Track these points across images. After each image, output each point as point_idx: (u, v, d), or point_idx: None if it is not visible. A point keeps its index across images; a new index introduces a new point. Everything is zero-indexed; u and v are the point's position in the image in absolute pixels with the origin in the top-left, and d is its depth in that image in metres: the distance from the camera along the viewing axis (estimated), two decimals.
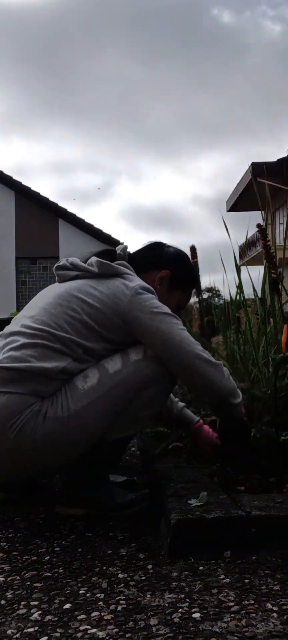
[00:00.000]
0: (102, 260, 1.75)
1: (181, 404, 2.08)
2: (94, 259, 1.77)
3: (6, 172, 17.77)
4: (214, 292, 4.47)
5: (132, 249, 1.92)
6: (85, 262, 1.80)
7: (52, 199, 17.96)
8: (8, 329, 1.73)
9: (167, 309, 1.69)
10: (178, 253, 1.96)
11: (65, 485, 1.73)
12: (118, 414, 1.64)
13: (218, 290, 5.01)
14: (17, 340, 1.63)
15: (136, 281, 1.72)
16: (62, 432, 1.57)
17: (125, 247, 1.88)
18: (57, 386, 1.60)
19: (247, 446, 1.79)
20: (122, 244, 1.93)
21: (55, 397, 1.59)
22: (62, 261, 1.84)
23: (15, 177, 17.85)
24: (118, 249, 1.87)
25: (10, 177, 17.78)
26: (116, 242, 17.94)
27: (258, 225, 2.31)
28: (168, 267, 1.88)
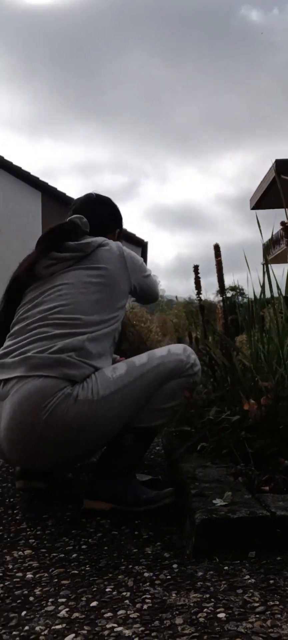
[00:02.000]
0: (84, 242, 1.91)
1: None
2: (71, 244, 1.90)
3: (33, 173, 17.94)
4: (238, 290, 4.45)
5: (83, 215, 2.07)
6: (57, 245, 1.91)
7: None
8: (23, 326, 1.78)
9: (141, 259, 2.06)
10: (115, 207, 2.21)
11: (92, 480, 1.77)
12: (142, 404, 1.73)
13: (242, 289, 4.98)
14: (47, 331, 1.71)
15: (114, 244, 1.97)
16: (91, 415, 1.64)
17: (83, 219, 2.00)
18: (88, 372, 1.68)
19: None
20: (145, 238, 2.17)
21: (86, 383, 1.66)
22: (43, 261, 1.90)
23: (42, 178, 18.01)
24: (80, 223, 1.97)
25: (37, 178, 17.94)
26: (140, 241, 17.95)
27: (283, 223, 2.30)
28: (117, 224, 2.19)
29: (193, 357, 1.86)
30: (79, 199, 2.18)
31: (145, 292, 2.05)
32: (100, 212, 2.12)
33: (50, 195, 17.91)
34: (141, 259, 2.06)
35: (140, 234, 20.55)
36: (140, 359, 1.78)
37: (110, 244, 1.94)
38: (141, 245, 18.01)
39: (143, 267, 2.04)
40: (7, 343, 1.80)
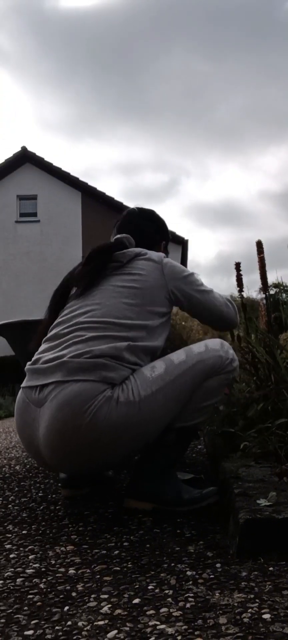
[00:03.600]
0: (122, 252, 1.92)
1: None
2: (120, 253, 1.92)
3: (74, 174, 18.16)
4: (282, 287, 4.36)
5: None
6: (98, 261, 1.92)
7: (118, 199, 18.19)
8: (58, 331, 1.78)
9: (190, 271, 1.95)
10: (161, 220, 2.19)
11: (134, 480, 1.75)
12: (183, 403, 1.71)
13: (286, 286, 4.89)
14: (82, 335, 1.69)
15: (155, 254, 1.92)
16: (134, 416, 1.61)
17: (129, 237, 2.01)
18: (127, 374, 1.66)
19: None
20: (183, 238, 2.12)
21: (125, 384, 1.64)
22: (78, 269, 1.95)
23: (82, 179, 18.21)
24: (126, 240, 1.99)
25: (77, 178, 18.16)
26: (180, 239, 17.92)
27: None
28: (162, 237, 2.16)
29: (232, 352, 1.84)
30: (122, 215, 2.18)
31: (195, 303, 1.92)
32: (144, 228, 2.11)
33: (90, 195, 18.10)
34: (188, 270, 1.95)
35: (180, 232, 20.47)
36: (179, 356, 1.75)
37: (149, 253, 1.91)
38: (181, 244, 17.99)
39: (186, 274, 1.92)
40: (41, 348, 1.81)
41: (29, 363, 1.78)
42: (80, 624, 1.04)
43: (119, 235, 2.01)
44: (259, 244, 2.98)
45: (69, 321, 1.79)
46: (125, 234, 2.03)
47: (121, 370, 1.65)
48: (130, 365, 1.68)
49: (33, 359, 1.78)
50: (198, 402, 1.75)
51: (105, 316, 1.73)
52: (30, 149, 18.40)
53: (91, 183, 19.50)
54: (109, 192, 19.28)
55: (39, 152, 19.11)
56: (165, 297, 1.85)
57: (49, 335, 1.83)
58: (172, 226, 21.30)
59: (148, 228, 2.12)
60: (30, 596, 1.17)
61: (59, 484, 2.11)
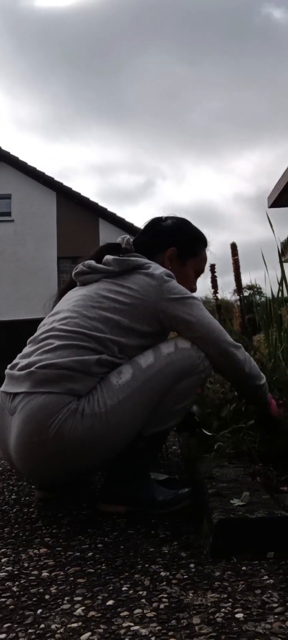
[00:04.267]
0: (120, 258, 1.79)
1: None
2: (109, 257, 1.80)
3: (49, 174, 18.05)
4: (256, 289, 4.41)
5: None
6: (99, 263, 1.83)
7: (93, 199, 18.14)
8: (38, 335, 1.75)
9: (190, 293, 1.76)
10: (178, 223, 1.98)
11: (107, 482, 1.74)
12: (153, 408, 1.66)
13: (260, 288, 4.94)
14: (51, 343, 1.64)
15: (158, 269, 1.75)
16: (100, 428, 1.58)
17: (128, 238, 1.92)
18: (93, 384, 1.61)
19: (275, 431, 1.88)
20: (125, 236, 1.94)
21: (91, 395, 1.60)
22: (79, 267, 1.87)
23: (58, 179, 18.12)
24: (122, 242, 1.90)
25: (52, 178, 18.04)
26: None
27: None
28: (172, 242, 1.91)
29: (203, 353, 1.74)
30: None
31: (191, 328, 1.71)
32: (150, 232, 1.96)
33: (65, 195, 18.00)
34: (188, 293, 1.75)
35: None
36: (146, 359, 1.66)
37: (152, 267, 1.75)
38: None
39: (185, 296, 1.73)
40: (24, 350, 1.76)
41: (9, 366, 1.74)
42: (53, 626, 1.03)
43: (121, 236, 1.93)
44: (233, 246, 3.01)
45: (46, 326, 1.75)
46: (144, 235, 1.95)
47: (88, 382, 1.61)
48: (98, 376, 1.63)
49: (13, 362, 1.74)
50: (169, 406, 1.69)
51: (78, 326, 1.66)
52: (4, 148, 18.20)
53: (66, 183, 19.41)
54: (84, 193, 19.20)
55: (14, 152, 18.94)
56: (153, 318, 1.71)
57: (30, 338, 1.78)
58: None
59: (153, 231, 1.96)
60: (3, 599, 1.16)
61: (33, 486, 2.09)
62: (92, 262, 1.84)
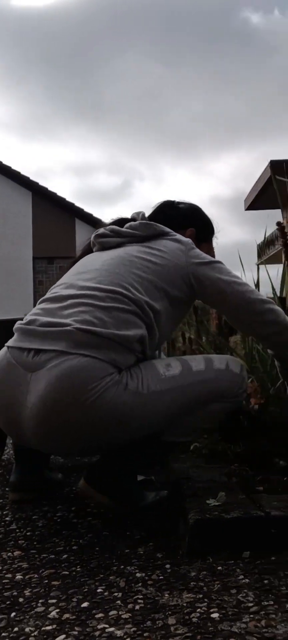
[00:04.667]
0: (148, 222, 1.78)
1: None
2: (135, 222, 1.78)
3: (25, 174, 17.90)
4: None
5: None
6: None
7: (70, 199, 18.06)
8: (60, 292, 1.66)
9: (217, 259, 1.76)
10: (194, 207, 2.00)
11: (98, 468, 1.64)
12: (184, 413, 1.62)
13: None
14: (87, 303, 1.56)
15: (184, 237, 1.77)
16: (137, 408, 1.53)
17: (143, 214, 1.87)
18: (131, 360, 1.57)
19: None
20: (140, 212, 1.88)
21: (134, 373, 1.55)
22: (101, 230, 1.83)
23: (34, 179, 17.98)
24: (137, 217, 1.85)
25: (27, 178, 17.90)
26: None
27: (278, 224, 2.29)
28: (190, 224, 1.93)
29: (247, 382, 1.76)
30: None
31: (221, 291, 1.69)
32: (166, 211, 1.95)
33: (41, 195, 17.88)
34: (217, 260, 1.77)
35: None
36: (198, 364, 1.64)
37: (178, 236, 1.76)
38: None
39: (213, 260, 1.73)
40: (39, 307, 1.65)
41: (20, 322, 1.64)
42: (27, 629, 1.02)
43: (134, 212, 1.88)
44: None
45: (73, 285, 1.65)
46: (158, 214, 1.92)
47: (128, 357, 1.55)
48: (136, 354, 1.58)
49: (27, 318, 1.63)
50: (197, 422, 1.67)
51: (113, 284, 1.59)
52: None
53: (43, 183, 19.29)
54: (61, 193, 19.07)
55: None
56: (183, 281, 1.69)
57: (49, 295, 1.69)
58: None
59: (176, 211, 1.95)
60: None
61: (7, 488, 2.06)
62: (115, 227, 1.80)
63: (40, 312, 1.63)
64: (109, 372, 1.50)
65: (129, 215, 1.89)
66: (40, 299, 1.71)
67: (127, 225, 1.80)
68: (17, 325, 1.64)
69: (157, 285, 1.64)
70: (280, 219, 2.35)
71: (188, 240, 1.75)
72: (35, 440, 1.61)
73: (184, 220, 1.93)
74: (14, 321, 1.71)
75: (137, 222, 1.78)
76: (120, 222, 1.85)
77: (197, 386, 1.61)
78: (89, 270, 1.70)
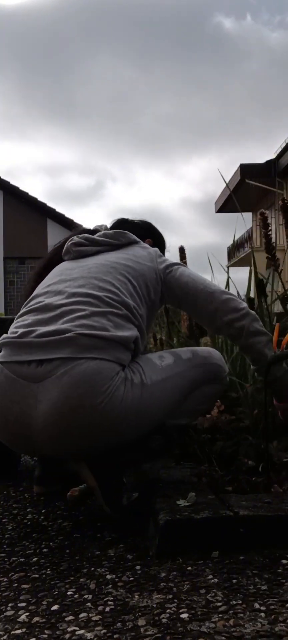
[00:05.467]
0: (121, 231, 1.87)
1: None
2: (110, 232, 1.88)
3: None
4: None
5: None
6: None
7: (41, 199, 17.93)
8: (46, 300, 1.65)
9: (179, 262, 1.91)
10: (147, 222, 2.14)
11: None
12: (185, 397, 1.72)
13: None
14: (83, 309, 1.57)
15: (149, 246, 1.90)
16: (147, 398, 1.58)
17: (106, 226, 1.96)
18: (130, 358, 1.61)
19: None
20: (102, 225, 1.98)
21: (134, 368, 1.59)
22: (74, 239, 1.86)
23: (4, 177, 17.78)
24: (100, 229, 1.93)
25: None
26: None
27: (261, 213, 2.31)
28: (148, 235, 2.04)
29: (226, 367, 1.87)
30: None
31: (180, 288, 1.81)
32: (124, 226, 1.99)
33: (13, 195, 17.70)
34: (179, 263, 1.92)
35: None
36: (185, 353, 1.77)
37: (145, 244, 1.90)
38: None
39: (174, 262, 1.87)
40: (27, 319, 1.63)
41: (8, 336, 1.61)
42: None
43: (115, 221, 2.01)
44: (181, 249, 3.04)
45: (61, 293, 1.65)
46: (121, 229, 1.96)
47: (128, 354, 1.59)
48: (132, 352, 1.62)
49: (17, 331, 1.60)
50: (196, 404, 1.77)
51: (105, 290, 1.62)
52: None
53: (14, 182, 19.07)
54: (33, 193, 18.92)
55: None
56: (157, 285, 1.79)
57: (35, 305, 1.66)
58: None
59: (132, 226, 2.04)
60: None
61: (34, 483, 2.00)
62: (89, 236, 1.85)
63: (32, 323, 1.61)
64: (116, 370, 1.54)
65: (91, 227, 1.97)
66: (24, 310, 1.68)
67: (101, 234, 1.87)
68: (5, 339, 1.61)
69: (138, 291, 1.72)
70: (250, 223, 2.38)
71: (154, 249, 1.87)
72: (48, 448, 1.58)
73: (141, 232, 2.02)
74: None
75: (112, 232, 1.86)
76: (89, 232, 1.92)
77: (192, 370, 1.73)
78: (74, 277, 1.71)
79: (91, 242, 1.83)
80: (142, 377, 1.59)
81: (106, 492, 1.60)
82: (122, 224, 2.04)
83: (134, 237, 1.88)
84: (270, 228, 2.27)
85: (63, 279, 1.73)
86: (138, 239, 1.89)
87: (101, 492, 1.59)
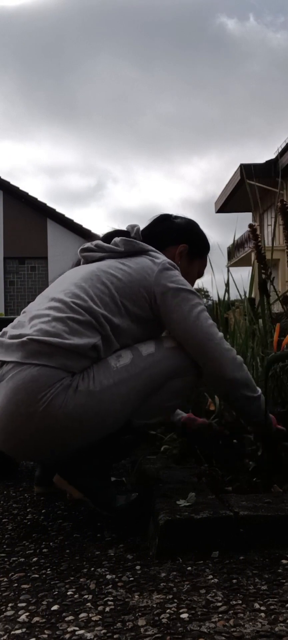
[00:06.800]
0: (127, 239, 1.80)
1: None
2: (117, 238, 1.81)
3: None
4: (202, 293, 4.48)
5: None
6: (108, 243, 1.82)
7: (42, 199, 17.93)
8: (34, 304, 1.72)
9: (190, 287, 1.74)
10: (190, 223, 2.00)
11: (73, 461, 1.63)
12: (146, 398, 1.64)
13: (207, 292, 5.02)
14: (48, 314, 1.60)
15: (162, 257, 1.76)
16: (92, 406, 1.54)
17: (138, 228, 1.89)
18: (87, 364, 1.58)
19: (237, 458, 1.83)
20: (135, 225, 1.91)
21: (86, 373, 1.56)
22: (87, 244, 1.86)
23: (4, 177, 17.78)
24: (131, 230, 1.87)
25: None
26: None
27: (250, 226, 2.32)
28: (184, 239, 1.92)
29: None
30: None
31: (175, 320, 1.68)
32: (161, 226, 1.95)
33: (13, 195, 17.70)
34: (188, 287, 1.72)
35: None
36: (148, 347, 1.66)
37: (158, 255, 1.76)
38: None
39: (181, 287, 1.70)
40: (17, 318, 1.70)
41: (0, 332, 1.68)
42: None
43: (129, 224, 1.91)
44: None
45: (46, 297, 1.69)
46: (153, 227, 1.93)
47: (82, 362, 1.57)
48: (93, 359, 1.59)
49: (4, 329, 1.67)
50: (163, 401, 1.68)
51: (75, 297, 1.62)
52: None
53: (15, 183, 19.08)
54: (33, 193, 18.92)
55: None
56: (146, 301, 1.68)
57: (26, 308, 1.74)
58: (96, 229, 21.23)
59: (163, 225, 1.94)
60: None
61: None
62: (100, 242, 1.83)
63: (14, 324, 1.68)
64: (60, 377, 1.53)
65: (125, 227, 1.91)
66: (23, 310, 1.75)
67: (113, 241, 1.82)
68: None
69: (117, 301, 1.66)
70: (250, 222, 2.38)
71: (165, 261, 1.74)
72: (6, 450, 1.65)
73: (178, 234, 1.93)
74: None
75: (119, 238, 1.80)
76: (111, 234, 1.87)
77: (151, 368, 1.63)
78: (63, 282, 1.73)
79: (98, 248, 1.82)
80: (89, 384, 1.55)
81: (95, 497, 1.62)
82: (161, 221, 1.96)
83: (144, 246, 1.79)
84: (260, 239, 2.26)
85: (57, 283, 1.77)
86: (150, 248, 1.79)
87: (91, 500, 1.61)
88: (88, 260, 1.82)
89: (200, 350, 1.68)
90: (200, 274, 2.02)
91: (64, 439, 1.56)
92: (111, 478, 1.90)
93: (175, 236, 1.92)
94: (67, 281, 1.72)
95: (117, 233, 1.86)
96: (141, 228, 1.91)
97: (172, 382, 1.67)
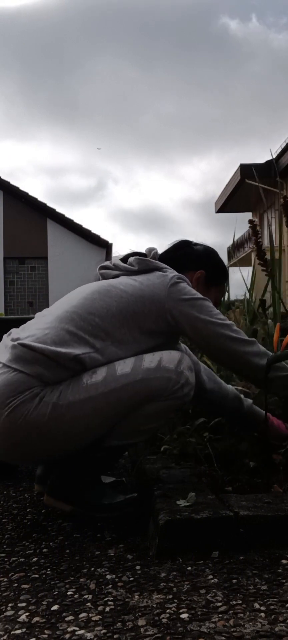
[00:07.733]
0: (141, 257, 1.82)
1: (249, 400, 2.01)
2: (132, 258, 1.83)
3: None
4: None
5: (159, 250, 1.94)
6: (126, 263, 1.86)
7: (42, 200, 17.92)
8: (47, 311, 1.77)
9: (200, 296, 1.74)
10: (209, 250, 2.01)
11: (57, 477, 1.67)
12: (117, 419, 1.60)
13: None
14: (50, 322, 1.65)
15: (172, 272, 1.78)
16: (54, 419, 1.54)
17: (156, 252, 1.90)
18: (64, 376, 1.58)
19: None
20: (154, 248, 1.92)
21: (57, 386, 1.57)
22: (106, 262, 1.92)
23: (4, 178, 17.78)
24: (148, 253, 1.89)
25: None
26: (105, 243, 17.92)
27: (250, 221, 2.32)
28: (202, 266, 1.92)
29: (186, 375, 1.63)
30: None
31: (200, 331, 1.68)
32: (180, 251, 1.95)
33: (13, 195, 17.70)
34: (200, 296, 1.73)
35: (104, 235, 20.42)
36: (123, 367, 1.59)
37: (169, 271, 1.77)
38: (105, 247, 18.00)
39: (194, 297, 1.71)
40: (28, 322, 1.77)
41: (7, 333, 1.73)
42: None
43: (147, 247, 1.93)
44: None
45: (58, 306, 1.75)
46: (172, 252, 1.95)
47: (60, 373, 1.57)
48: (72, 371, 1.58)
49: (11, 329, 1.73)
50: (137, 424, 1.62)
51: (77, 308, 1.66)
52: None
53: (15, 183, 19.07)
54: (33, 193, 18.88)
55: None
56: (159, 315, 1.68)
57: (42, 311, 1.80)
58: (96, 230, 21.23)
59: (190, 251, 1.96)
60: None
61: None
62: (118, 261, 1.87)
63: (23, 326, 1.73)
64: (32, 385, 1.55)
65: (144, 250, 1.93)
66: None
67: (128, 260, 1.86)
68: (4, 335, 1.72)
69: (125, 315, 1.67)
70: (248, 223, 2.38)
71: (175, 275, 1.74)
72: None
73: (197, 261, 1.93)
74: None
75: (133, 258, 1.83)
76: (129, 255, 1.90)
77: (122, 391, 1.57)
78: (77, 295, 1.76)
79: (115, 267, 1.86)
80: (54, 396, 1.55)
81: (87, 506, 1.63)
82: (181, 247, 1.98)
83: (157, 264, 1.80)
84: (260, 235, 2.27)
85: (70, 295, 1.81)
86: (162, 266, 1.79)
87: (82, 510, 1.63)
88: (104, 277, 1.87)
89: (222, 352, 1.72)
90: (216, 302, 1.97)
91: (25, 446, 1.60)
92: (108, 479, 1.91)
93: (193, 262, 1.92)
94: (80, 294, 1.76)
95: (135, 254, 1.89)
96: (159, 252, 1.93)
97: (149, 405, 1.60)
